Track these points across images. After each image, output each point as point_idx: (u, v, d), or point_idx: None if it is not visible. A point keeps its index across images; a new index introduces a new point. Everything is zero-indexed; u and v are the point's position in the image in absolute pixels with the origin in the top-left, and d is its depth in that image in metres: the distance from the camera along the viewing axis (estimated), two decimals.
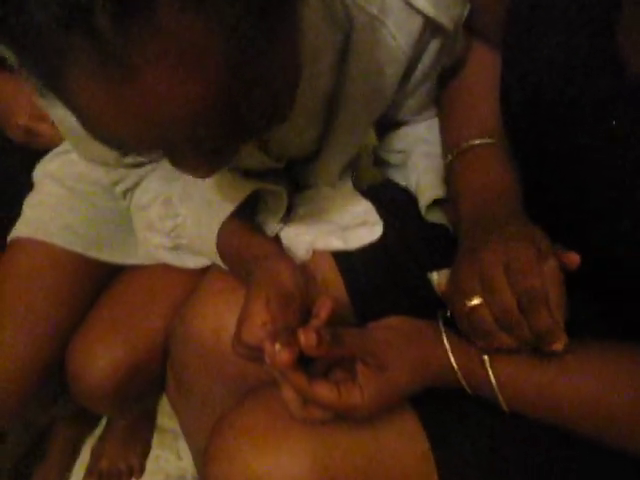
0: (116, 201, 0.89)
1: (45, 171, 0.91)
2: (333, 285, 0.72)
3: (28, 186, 0.92)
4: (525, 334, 0.52)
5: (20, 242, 0.85)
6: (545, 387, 0.55)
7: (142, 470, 1.19)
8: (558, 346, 0.52)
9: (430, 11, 0.61)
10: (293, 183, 0.84)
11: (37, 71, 0.36)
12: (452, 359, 0.56)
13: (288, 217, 0.80)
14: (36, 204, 0.88)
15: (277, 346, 0.51)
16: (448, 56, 0.72)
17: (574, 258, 0.52)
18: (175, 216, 0.75)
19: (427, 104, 0.79)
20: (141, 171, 0.77)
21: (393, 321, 0.59)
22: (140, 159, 0.73)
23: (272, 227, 0.77)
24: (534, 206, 0.62)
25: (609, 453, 0.55)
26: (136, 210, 0.79)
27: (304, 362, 0.54)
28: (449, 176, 0.72)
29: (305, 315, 0.60)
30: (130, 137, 0.38)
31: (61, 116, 0.68)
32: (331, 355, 0.54)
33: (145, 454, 1.21)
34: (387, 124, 0.84)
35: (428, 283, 0.70)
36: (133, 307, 0.83)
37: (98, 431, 1.22)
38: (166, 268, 0.84)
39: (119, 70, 0.33)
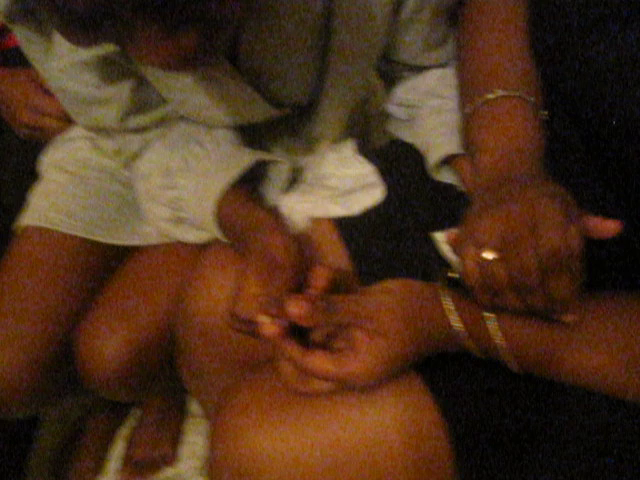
0: (120, 185, 0.88)
1: (49, 160, 0.92)
2: (335, 253, 0.68)
3: (35, 176, 0.92)
4: (538, 299, 0.47)
5: (24, 231, 0.85)
6: (557, 347, 0.51)
7: (175, 457, 1.18)
8: (569, 318, 0.48)
9: None
10: (297, 150, 0.81)
11: None
12: (455, 320, 0.52)
13: (291, 187, 0.76)
14: (40, 193, 0.88)
15: (264, 318, 0.49)
16: None
17: (612, 226, 0.47)
18: (175, 187, 0.73)
19: (432, 42, 0.74)
20: (143, 137, 0.75)
21: (391, 284, 0.55)
22: (141, 121, 0.72)
23: (273, 197, 0.74)
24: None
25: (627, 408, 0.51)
26: (137, 179, 0.77)
27: (302, 333, 0.51)
28: (467, 128, 0.66)
29: (301, 287, 0.57)
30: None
31: (62, 85, 0.68)
32: (326, 324, 0.51)
33: (177, 441, 1.20)
34: (393, 74, 0.80)
35: (432, 246, 0.66)
36: (139, 289, 0.81)
37: (131, 421, 1.21)
38: (171, 249, 0.83)
39: None
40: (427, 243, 0.65)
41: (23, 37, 0.68)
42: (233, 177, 0.68)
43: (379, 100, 0.89)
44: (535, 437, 0.54)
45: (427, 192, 0.71)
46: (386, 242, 0.68)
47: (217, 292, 0.68)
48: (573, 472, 0.54)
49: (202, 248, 0.77)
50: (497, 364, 0.53)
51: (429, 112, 0.75)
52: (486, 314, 0.51)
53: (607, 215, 0.47)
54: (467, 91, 0.68)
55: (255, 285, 0.56)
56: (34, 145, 0.96)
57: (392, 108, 0.82)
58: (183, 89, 0.68)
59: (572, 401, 0.54)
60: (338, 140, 0.80)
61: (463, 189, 0.71)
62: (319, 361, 0.50)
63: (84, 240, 0.84)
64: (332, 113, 0.74)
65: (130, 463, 1.15)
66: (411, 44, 0.72)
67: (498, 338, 0.51)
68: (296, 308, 0.49)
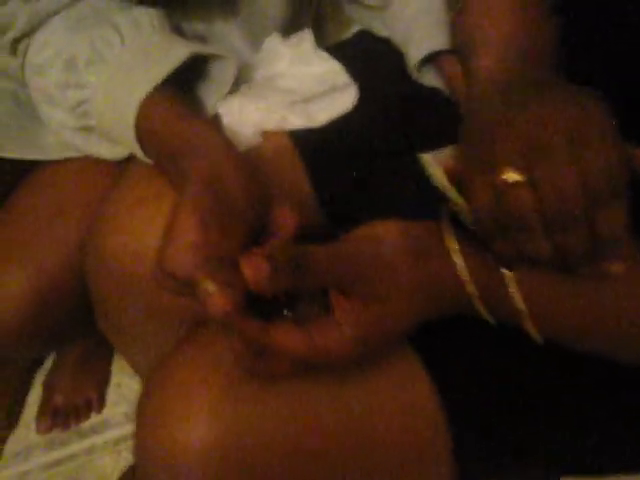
0: (10, 81, 0.68)
1: None
2: (292, 179, 0.53)
3: None
4: (579, 239, 0.34)
5: None
6: (588, 308, 0.40)
7: (102, 402, 1.06)
8: (619, 268, 0.35)
9: None
10: (237, 41, 0.63)
11: None
12: (467, 277, 0.39)
13: (235, 91, 0.59)
14: None
15: (209, 285, 0.35)
16: None
17: None
18: (81, 86, 0.55)
19: None
20: (33, 8, 0.56)
21: (379, 228, 0.41)
22: None
23: (213, 104, 0.57)
24: None
25: None
26: (31, 74, 0.58)
27: (257, 297, 0.37)
28: (460, 22, 0.54)
29: (257, 237, 0.43)
30: None
31: None
32: (296, 288, 0.37)
33: (103, 384, 1.07)
34: None
35: (420, 171, 0.51)
36: (41, 220, 0.64)
37: (48, 364, 1.07)
38: (81, 166, 0.65)
39: None
40: (412, 166, 0.51)
41: None
42: (161, 75, 0.51)
43: None
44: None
45: (409, 96, 0.57)
46: (359, 164, 0.54)
47: (137, 232, 0.53)
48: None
49: (122, 166, 0.60)
50: (506, 330, 0.41)
51: None
52: (505, 272, 0.38)
53: None
54: None
55: (195, 230, 0.40)
56: None
57: None
58: None
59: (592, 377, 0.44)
60: (287, 31, 0.63)
61: (451, 96, 0.56)
62: (288, 338, 0.37)
63: None
64: None
65: (49, 412, 1.02)
66: None
67: (519, 301, 0.38)
68: (255, 270, 0.34)
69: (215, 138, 0.47)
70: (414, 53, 0.57)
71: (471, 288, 0.39)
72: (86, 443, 1.03)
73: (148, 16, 0.55)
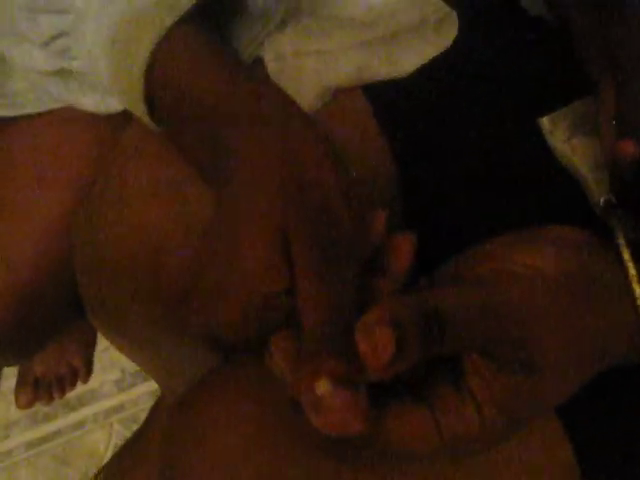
0: None
1: None
2: (372, 157, 0.39)
3: None
4: None
5: None
6: None
7: (89, 369, 0.96)
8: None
9: None
10: None
11: None
12: None
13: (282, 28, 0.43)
14: None
15: (323, 386, 0.22)
16: None
17: None
18: (60, 10, 0.40)
19: None
20: None
21: (532, 256, 0.28)
22: None
23: (252, 44, 0.41)
24: None
25: None
26: None
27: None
28: None
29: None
30: None
31: None
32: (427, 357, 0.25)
33: (91, 348, 0.97)
34: None
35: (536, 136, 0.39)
36: (14, 194, 0.50)
37: None
38: (62, 124, 0.50)
39: None
40: (530, 135, 0.38)
41: None
42: (182, 6, 0.34)
43: None
44: None
45: (523, 38, 0.41)
46: (460, 131, 0.39)
47: (149, 215, 0.38)
48: None
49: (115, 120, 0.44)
50: None
51: None
52: None
53: None
54: None
55: (279, 266, 0.27)
56: None
57: None
58: None
59: None
60: None
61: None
62: (404, 425, 0.26)
63: None
64: None
65: (29, 383, 0.93)
66: None
67: None
68: (379, 348, 0.22)
69: (284, 99, 0.32)
70: None
71: None
72: (73, 417, 0.96)
73: None
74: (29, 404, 0.92)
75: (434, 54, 0.40)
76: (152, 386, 0.96)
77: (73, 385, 0.94)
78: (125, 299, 0.42)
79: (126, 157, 0.40)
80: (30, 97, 0.49)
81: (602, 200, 0.33)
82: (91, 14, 0.39)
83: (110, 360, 0.98)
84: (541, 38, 0.42)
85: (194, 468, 0.33)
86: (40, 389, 0.92)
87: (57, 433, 0.94)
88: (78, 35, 0.39)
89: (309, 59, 0.39)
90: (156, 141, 0.39)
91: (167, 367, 0.51)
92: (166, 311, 0.41)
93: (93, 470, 0.87)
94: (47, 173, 0.49)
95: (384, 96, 0.39)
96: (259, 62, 0.40)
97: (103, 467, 0.86)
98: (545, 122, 0.40)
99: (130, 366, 0.97)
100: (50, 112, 0.49)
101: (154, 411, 0.86)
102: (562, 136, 0.39)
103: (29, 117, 0.50)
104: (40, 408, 0.93)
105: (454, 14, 0.40)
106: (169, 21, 0.35)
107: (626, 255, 0.29)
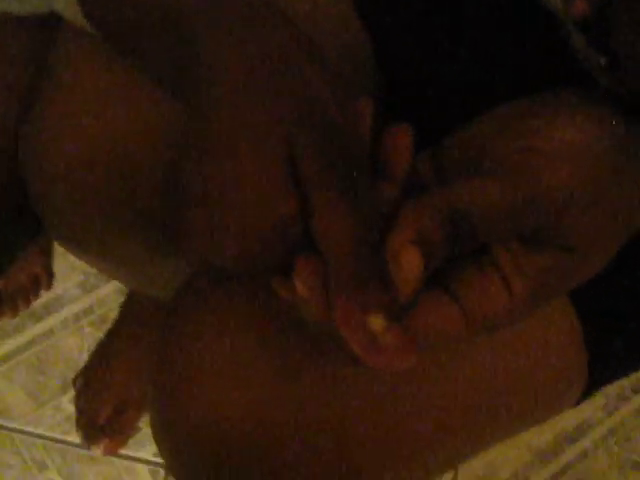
0: None
1: None
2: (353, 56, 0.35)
3: None
4: None
5: None
6: None
7: (51, 275, 0.94)
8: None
9: None
10: None
11: None
12: None
13: None
14: None
15: (377, 322, 0.22)
16: None
17: None
18: None
19: None
20: None
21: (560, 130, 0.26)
22: None
23: None
24: None
25: None
26: None
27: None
28: None
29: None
30: None
31: None
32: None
33: (48, 253, 0.94)
34: None
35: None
36: None
37: None
38: None
39: None
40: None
41: None
42: None
43: None
44: None
45: None
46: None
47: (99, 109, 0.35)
48: None
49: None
50: None
51: None
52: None
53: None
54: None
55: (288, 194, 0.25)
56: None
57: None
58: None
59: None
60: None
61: None
62: (435, 314, 0.25)
63: None
64: None
65: None
66: None
67: None
68: (411, 265, 0.22)
69: None
70: None
71: None
72: (43, 325, 0.93)
73: None
74: None
75: None
76: (117, 285, 0.94)
77: (37, 294, 0.92)
78: (90, 208, 0.40)
79: (68, 62, 0.35)
80: None
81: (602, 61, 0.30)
82: None
83: (70, 263, 0.94)
84: None
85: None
86: (4, 303, 0.89)
87: (29, 343, 0.92)
88: None
89: None
90: (93, 43, 0.34)
91: (139, 277, 0.50)
92: (137, 218, 0.38)
93: (71, 375, 0.87)
94: None
95: None
96: None
97: (81, 370, 0.86)
98: None
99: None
100: None
101: (126, 307, 0.85)
102: None
103: None
104: (8, 322, 0.91)
105: None
106: None
107: None
